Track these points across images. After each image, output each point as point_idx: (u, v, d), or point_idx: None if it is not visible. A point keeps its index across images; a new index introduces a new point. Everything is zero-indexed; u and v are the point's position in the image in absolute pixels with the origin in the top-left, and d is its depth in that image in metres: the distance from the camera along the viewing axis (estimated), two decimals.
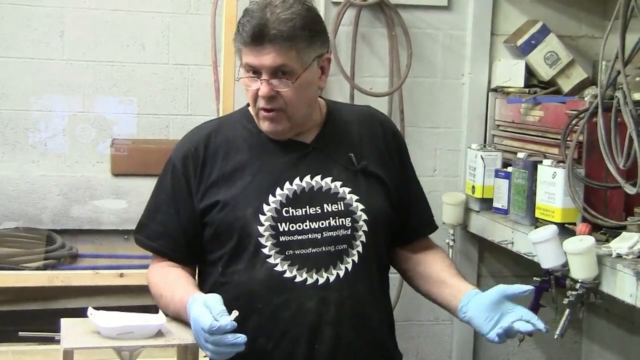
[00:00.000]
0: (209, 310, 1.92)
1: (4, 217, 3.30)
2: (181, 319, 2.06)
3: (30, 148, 3.33)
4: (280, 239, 2.10)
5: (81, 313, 2.10)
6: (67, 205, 3.34)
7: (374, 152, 2.24)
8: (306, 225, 2.12)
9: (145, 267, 2.32)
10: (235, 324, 1.90)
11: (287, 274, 2.10)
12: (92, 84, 3.34)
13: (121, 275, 2.99)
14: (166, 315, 2.09)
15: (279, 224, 2.11)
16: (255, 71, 2.08)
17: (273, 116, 2.12)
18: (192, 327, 1.97)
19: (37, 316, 3.04)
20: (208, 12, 3.33)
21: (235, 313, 1.94)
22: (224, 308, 1.93)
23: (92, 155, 3.37)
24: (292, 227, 2.11)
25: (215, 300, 1.95)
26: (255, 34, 2.04)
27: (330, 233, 2.13)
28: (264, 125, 2.15)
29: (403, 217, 2.28)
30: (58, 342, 2.02)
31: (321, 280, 2.11)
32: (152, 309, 2.19)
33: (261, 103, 2.11)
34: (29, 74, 3.29)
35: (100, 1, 3.31)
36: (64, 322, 2.09)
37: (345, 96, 3.40)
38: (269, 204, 2.12)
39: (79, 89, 3.34)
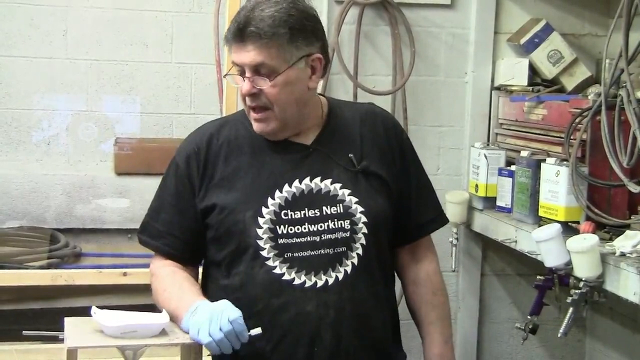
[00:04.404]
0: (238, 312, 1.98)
1: (7, 216, 3.31)
2: (174, 317, 2.06)
3: (34, 147, 3.33)
4: (279, 242, 2.10)
5: (85, 312, 2.10)
6: (70, 204, 3.35)
7: (375, 151, 2.23)
8: (305, 228, 2.12)
9: (149, 266, 2.32)
10: (258, 333, 1.99)
11: (286, 277, 2.10)
12: (95, 83, 3.34)
13: (125, 274, 2.99)
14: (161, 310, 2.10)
15: (277, 227, 2.11)
16: (238, 71, 2.10)
17: (261, 117, 2.13)
18: (203, 312, 1.99)
19: (41, 315, 3.04)
20: (211, 11, 3.33)
21: (259, 330, 2.00)
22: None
23: (95, 154, 3.37)
24: (291, 229, 2.11)
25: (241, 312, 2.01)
26: (237, 31, 2.07)
27: (329, 236, 2.12)
28: (255, 126, 2.16)
29: (405, 215, 2.27)
30: (62, 341, 2.02)
31: (320, 283, 2.10)
32: (156, 308, 2.19)
33: (247, 101, 2.13)
34: (32, 73, 3.30)
35: (104, 0, 3.32)
36: (68, 321, 2.09)
37: (349, 95, 3.40)
38: (267, 207, 2.12)
39: (82, 87, 3.34)
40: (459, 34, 3.51)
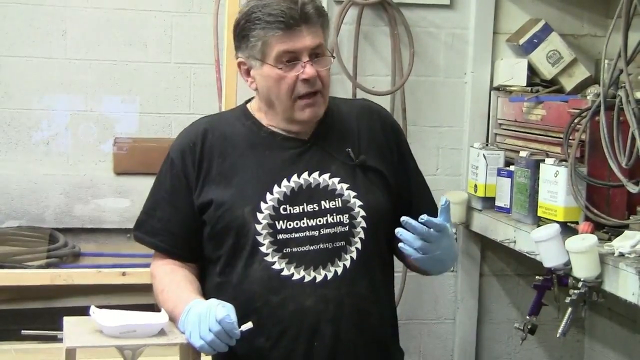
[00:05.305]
0: (227, 309, 1.96)
1: (6, 215, 3.31)
2: (173, 318, 2.06)
3: (33, 147, 3.33)
4: (278, 237, 2.10)
5: (84, 312, 2.10)
6: (69, 204, 3.35)
7: (372, 145, 2.23)
8: (304, 223, 2.11)
9: (148, 265, 2.32)
10: (249, 328, 1.96)
11: (285, 272, 2.09)
12: (95, 83, 3.34)
13: (124, 274, 2.99)
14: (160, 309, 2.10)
15: (276, 222, 2.10)
16: (289, 59, 2.08)
17: (313, 101, 2.12)
18: (192, 314, 1.98)
19: (40, 315, 3.04)
20: (210, 11, 3.33)
21: (250, 324, 1.98)
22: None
23: (94, 154, 3.37)
24: (290, 224, 2.11)
25: (232, 306, 1.99)
26: (292, 17, 2.04)
27: (328, 230, 2.12)
28: (305, 114, 2.13)
29: (405, 210, 2.27)
30: (61, 340, 2.02)
31: (319, 278, 2.10)
32: (155, 308, 2.19)
33: (304, 89, 2.10)
34: (31, 73, 3.30)
35: (103, 0, 3.32)
36: (67, 320, 2.09)
37: (348, 95, 3.39)
38: (266, 202, 2.11)
39: (81, 88, 3.34)
40: (458, 34, 3.52)
